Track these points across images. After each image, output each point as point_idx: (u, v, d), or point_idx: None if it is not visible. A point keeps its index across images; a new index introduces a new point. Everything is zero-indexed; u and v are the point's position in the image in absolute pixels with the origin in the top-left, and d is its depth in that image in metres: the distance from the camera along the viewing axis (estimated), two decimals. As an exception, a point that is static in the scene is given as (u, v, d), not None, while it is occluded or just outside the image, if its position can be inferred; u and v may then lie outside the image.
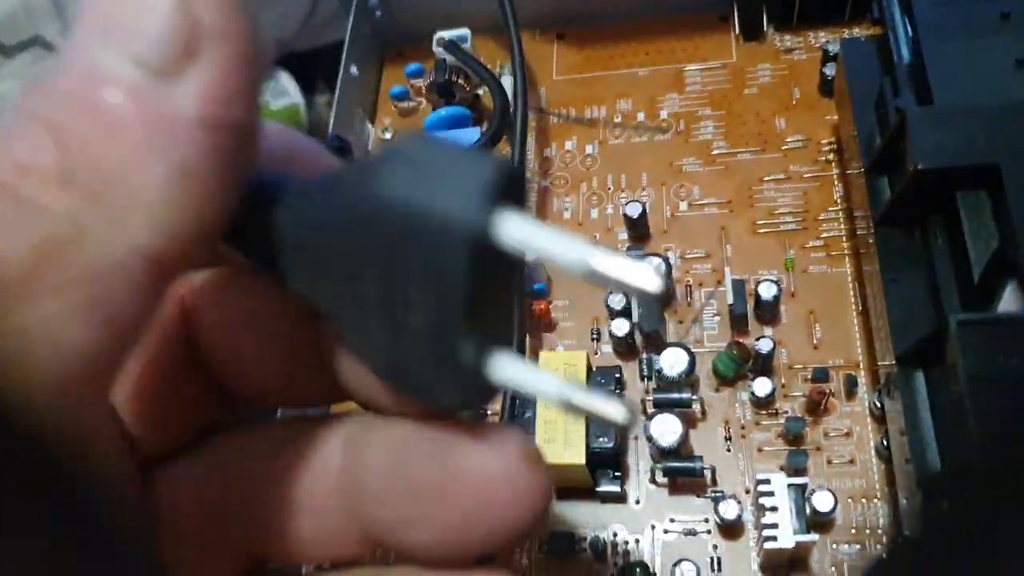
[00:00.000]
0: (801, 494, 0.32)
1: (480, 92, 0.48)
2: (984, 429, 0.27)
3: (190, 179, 0.13)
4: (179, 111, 0.12)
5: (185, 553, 0.17)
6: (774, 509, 0.32)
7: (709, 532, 0.36)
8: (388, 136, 0.51)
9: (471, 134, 0.44)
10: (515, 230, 0.13)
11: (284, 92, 0.97)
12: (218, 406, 0.18)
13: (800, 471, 0.36)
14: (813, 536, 0.32)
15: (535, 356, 0.42)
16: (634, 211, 0.42)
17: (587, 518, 0.38)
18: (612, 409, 0.14)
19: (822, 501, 0.33)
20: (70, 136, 0.12)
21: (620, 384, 0.37)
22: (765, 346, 0.37)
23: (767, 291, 0.39)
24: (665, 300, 0.41)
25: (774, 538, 0.31)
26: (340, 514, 0.16)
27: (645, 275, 0.13)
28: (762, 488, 0.32)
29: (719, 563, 0.36)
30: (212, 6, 0.12)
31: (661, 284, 0.14)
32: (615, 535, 0.37)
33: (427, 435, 0.16)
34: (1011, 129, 0.32)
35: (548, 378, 0.15)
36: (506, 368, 0.15)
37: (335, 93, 0.47)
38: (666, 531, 0.37)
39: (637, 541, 0.37)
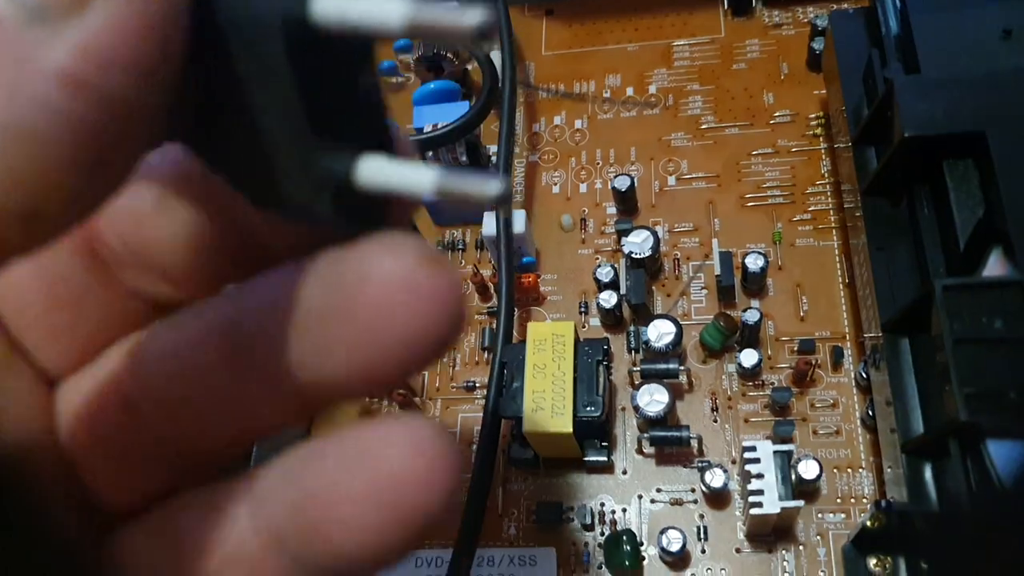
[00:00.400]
0: (787, 461, 0.32)
1: (469, 67, 0.48)
2: (968, 392, 0.27)
3: (24, 144, 0.10)
4: (39, 61, 0.10)
5: None
6: (760, 476, 0.32)
7: (696, 502, 0.37)
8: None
9: (460, 108, 0.44)
10: (329, 5, 0.12)
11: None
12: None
13: (786, 441, 0.36)
14: (798, 502, 0.32)
15: (523, 328, 0.42)
16: (623, 184, 0.42)
17: (574, 488, 0.38)
18: (486, 186, 0.13)
19: (807, 469, 0.33)
20: None
21: (607, 356, 0.37)
22: (752, 317, 0.37)
23: (754, 263, 0.39)
24: (653, 272, 0.41)
25: (760, 504, 0.32)
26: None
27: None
28: (748, 455, 0.32)
29: (705, 532, 0.36)
30: None
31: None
32: (602, 505, 0.37)
33: (320, 263, 0.14)
34: (997, 98, 0.32)
35: (420, 170, 0.14)
36: (374, 171, 0.14)
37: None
38: (653, 501, 0.37)
39: (624, 511, 0.37)
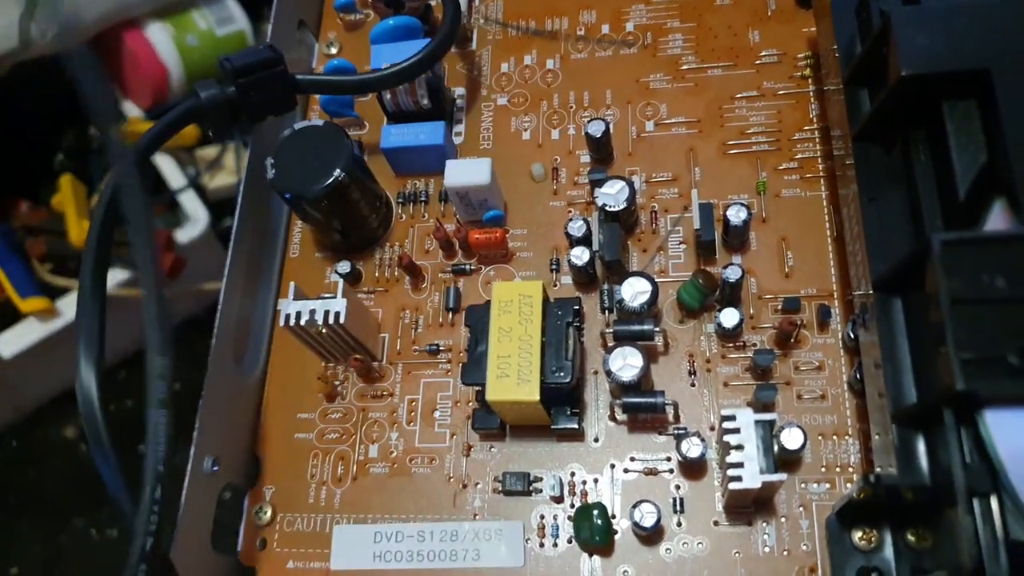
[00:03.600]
0: (769, 431, 0.30)
1: (432, 2, 0.44)
2: (966, 357, 0.25)
3: None
4: None
5: None
6: (740, 447, 0.30)
7: (671, 472, 0.34)
8: (334, 51, 0.47)
9: (420, 46, 0.40)
10: None
11: (230, 19, 0.92)
12: None
13: (768, 407, 0.34)
14: (781, 476, 0.29)
15: (488, 287, 0.39)
16: (597, 130, 0.39)
17: (543, 457, 0.36)
18: None
19: (791, 438, 0.31)
20: None
21: (579, 317, 0.34)
22: (733, 274, 0.35)
23: (736, 215, 0.36)
24: (628, 225, 0.38)
25: (739, 478, 0.29)
26: None
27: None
28: (727, 425, 0.30)
29: (681, 503, 0.34)
30: None
31: None
32: (572, 475, 0.35)
33: None
34: (1004, 30, 0.29)
35: None
36: None
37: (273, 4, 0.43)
38: (626, 470, 0.35)
39: (595, 481, 0.35)
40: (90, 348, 0.30)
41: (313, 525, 0.36)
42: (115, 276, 0.79)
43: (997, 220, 0.28)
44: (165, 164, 0.87)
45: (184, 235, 0.84)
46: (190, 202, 0.86)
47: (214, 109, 0.36)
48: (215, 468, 0.34)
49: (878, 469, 0.29)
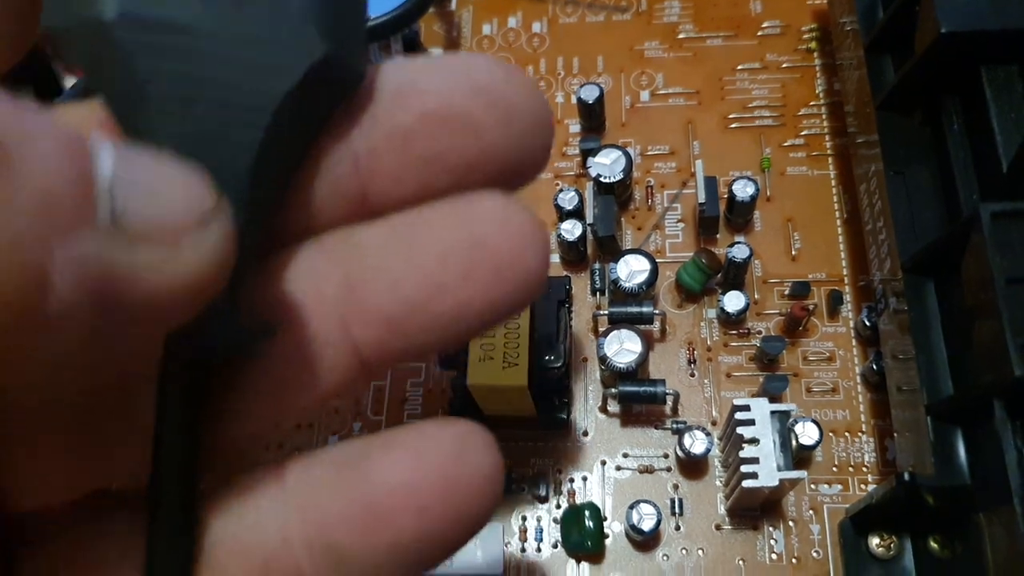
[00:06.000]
0: (785, 423, 0.27)
1: (409, -44, 0.41)
2: (1022, 343, 0.22)
3: None
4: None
5: None
6: (755, 441, 0.26)
7: (669, 470, 0.31)
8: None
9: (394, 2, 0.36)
10: None
11: None
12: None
13: (776, 400, 0.31)
14: (800, 473, 0.26)
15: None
16: (590, 95, 0.35)
17: (526, 453, 0.32)
18: None
19: (806, 433, 0.28)
20: None
21: (568, 298, 0.31)
22: (740, 253, 0.32)
23: (743, 190, 0.33)
24: (623, 201, 0.35)
25: (754, 475, 0.26)
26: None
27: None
28: (740, 416, 0.27)
29: (680, 505, 0.30)
30: None
31: None
32: (559, 472, 0.32)
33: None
34: (1052, -11, 0.26)
35: None
36: None
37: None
38: (619, 468, 0.31)
39: (584, 479, 0.31)
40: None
41: (264, 525, 0.32)
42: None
43: (1044, 195, 0.26)
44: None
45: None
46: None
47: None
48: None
49: (909, 468, 0.26)
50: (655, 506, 0.29)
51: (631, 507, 0.29)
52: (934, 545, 0.28)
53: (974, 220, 0.24)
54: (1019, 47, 0.26)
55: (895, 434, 0.29)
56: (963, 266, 0.25)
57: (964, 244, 0.25)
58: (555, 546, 0.30)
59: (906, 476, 0.25)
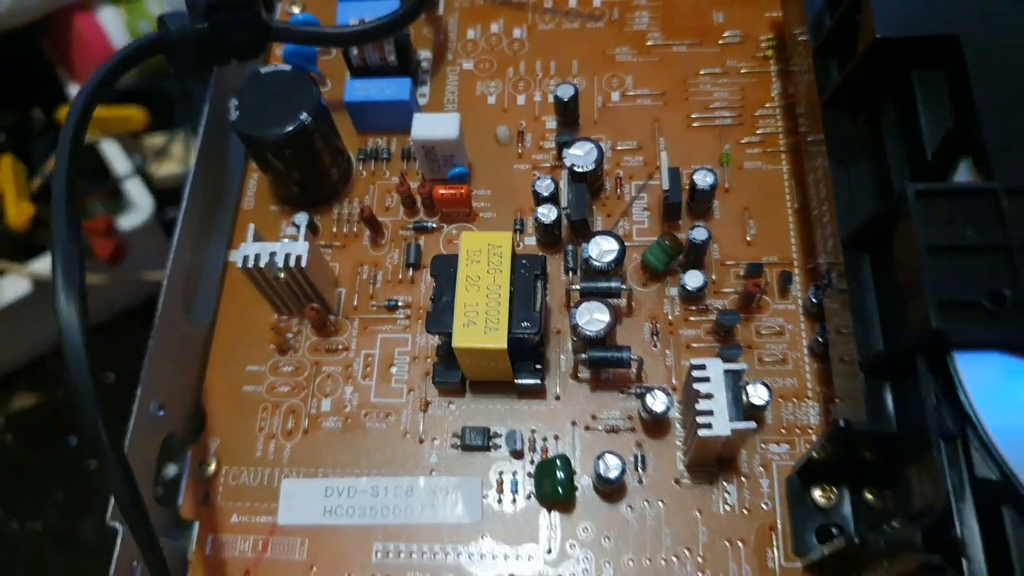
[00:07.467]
0: (737, 381, 0.30)
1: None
2: (941, 300, 0.25)
3: None
4: None
5: None
6: (709, 396, 0.29)
7: (633, 430, 0.34)
8: (297, 10, 0.46)
9: (389, 3, 0.40)
10: None
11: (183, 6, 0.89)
12: None
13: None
14: (750, 424, 0.29)
15: (451, 245, 0.38)
16: (566, 93, 0.39)
17: (503, 414, 0.35)
18: None
19: (757, 393, 0.31)
20: None
21: (544, 275, 0.34)
22: (700, 235, 0.35)
23: (703, 179, 0.36)
24: (594, 190, 0.38)
25: (708, 425, 0.29)
26: None
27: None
28: (696, 374, 0.30)
29: (643, 461, 0.33)
30: None
31: None
32: (533, 431, 0.34)
33: None
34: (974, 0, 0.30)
35: None
36: None
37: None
38: (587, 428, 0.34)
39: (556, 438, 0.34)
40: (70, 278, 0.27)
41: (260, 479, 0.34)
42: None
43: (962, 179, 0.29)
44: (110, 149, 0.82)
45: (127, 222, 0.79)
46: (135, 189, 0.81)
47: (182, 43, 0.34)
48: (161, 413, 0.32)
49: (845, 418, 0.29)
50: (620, 457, 0.32)
51: (598, 457, 0.32)
52: (869, 496, 0.31)
53: (903, 197, 0.27)
54: (945, 50, 0.30)
55: (836, 399, 0.32)
56: (894, 237, 0.28)
57: (895, 219, 0.28)
58: (528, 497, 0.33)
59: (841, 423, 0.28)
